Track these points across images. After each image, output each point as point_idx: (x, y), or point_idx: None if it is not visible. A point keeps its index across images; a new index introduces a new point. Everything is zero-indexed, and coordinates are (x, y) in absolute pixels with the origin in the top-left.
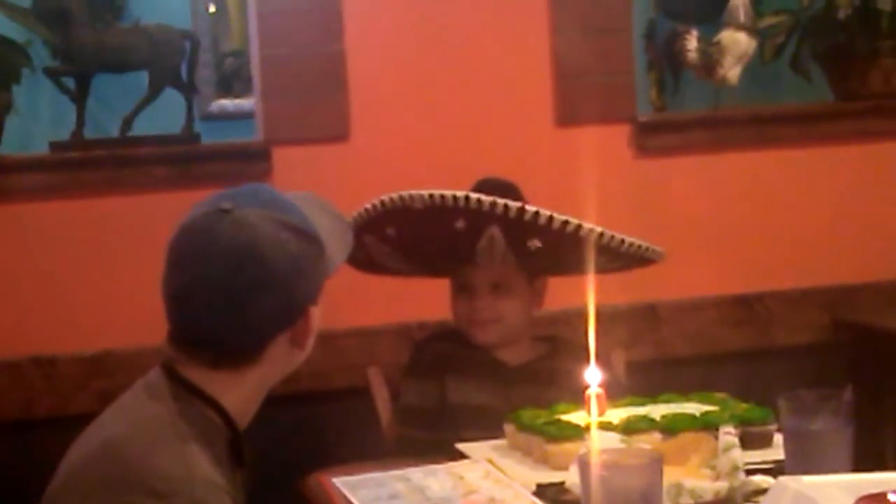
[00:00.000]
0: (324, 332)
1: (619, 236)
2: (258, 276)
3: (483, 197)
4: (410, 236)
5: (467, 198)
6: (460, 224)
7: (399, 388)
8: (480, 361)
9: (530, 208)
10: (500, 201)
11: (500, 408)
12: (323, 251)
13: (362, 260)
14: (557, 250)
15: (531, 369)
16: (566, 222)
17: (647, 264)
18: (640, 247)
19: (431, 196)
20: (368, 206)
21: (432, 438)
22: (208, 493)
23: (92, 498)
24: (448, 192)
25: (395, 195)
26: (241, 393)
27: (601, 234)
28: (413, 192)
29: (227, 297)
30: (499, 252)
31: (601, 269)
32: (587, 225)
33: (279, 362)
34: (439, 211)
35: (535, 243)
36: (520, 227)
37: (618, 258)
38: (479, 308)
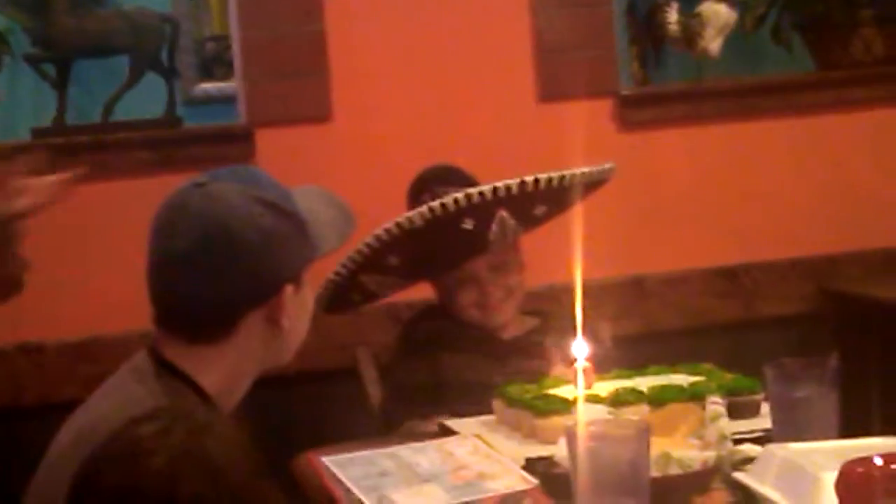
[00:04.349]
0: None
1: (595, 170)
2: (226, 246)
3: (483, 188)
4: (415, 256)
5: (468, 196)
6: (468, 224)
7: (389, 367)
8: (473, 337)
9: (527, 179)
10: (500, 185)
11: (494, 382)
12: (304, 231)
13: (358, 301)
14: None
15: (524, 342)
16: (563, 177)
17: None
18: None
19: (431, 210)
20: (364, 246)
21: (427, 415)
22: None
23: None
24: (447, 199)
25: (390, 225)
26: (218, 372)
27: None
28: (409, 213)
29: (196, 268)
30: (510, 231)
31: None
32: (578, 170)
33: (257, 341)
34: (442, 220)
35: (541, 209)
36: (523, 201)
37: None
38: (489, 293)
